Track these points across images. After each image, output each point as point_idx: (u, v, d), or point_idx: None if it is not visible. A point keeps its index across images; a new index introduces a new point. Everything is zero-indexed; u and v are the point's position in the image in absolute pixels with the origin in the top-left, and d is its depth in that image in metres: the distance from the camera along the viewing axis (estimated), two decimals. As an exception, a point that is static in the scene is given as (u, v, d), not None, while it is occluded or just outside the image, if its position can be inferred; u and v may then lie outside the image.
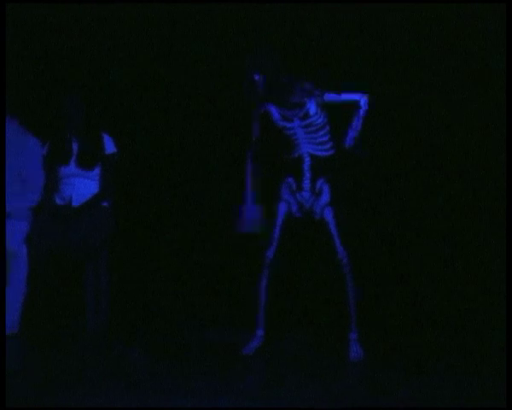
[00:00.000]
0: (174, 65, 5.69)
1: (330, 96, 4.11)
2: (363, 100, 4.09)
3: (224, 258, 5.61)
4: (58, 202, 4.87)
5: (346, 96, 4.11)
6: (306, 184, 4.14)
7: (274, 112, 4.18)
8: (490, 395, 3.59)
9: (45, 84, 5.63)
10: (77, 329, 4.84)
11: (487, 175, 5.34)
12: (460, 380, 3.86)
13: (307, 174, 4.13)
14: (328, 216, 4.11)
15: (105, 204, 4.89)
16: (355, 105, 4.11)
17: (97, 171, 4.87)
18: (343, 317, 4.20)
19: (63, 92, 5.01)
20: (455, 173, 5.41)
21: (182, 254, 5.80)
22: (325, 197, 4.12)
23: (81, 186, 4.84)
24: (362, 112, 4.09)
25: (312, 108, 4.12)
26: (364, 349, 4.17)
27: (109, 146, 4.90)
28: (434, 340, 4.71)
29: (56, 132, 4.95)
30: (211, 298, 5.62)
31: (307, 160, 4.13)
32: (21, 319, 4.73)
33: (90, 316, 4.77)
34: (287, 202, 4.20)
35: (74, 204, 4.82)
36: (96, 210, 4.83)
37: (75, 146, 4.87)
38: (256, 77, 4.01)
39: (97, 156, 4.86)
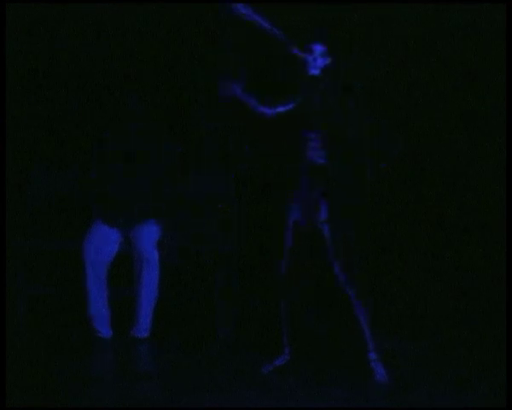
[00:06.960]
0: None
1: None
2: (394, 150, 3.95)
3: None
4: None
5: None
6: (304, 191, 3.90)
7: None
8: (490, 395, 3.60)
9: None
10: (207, 333, 4.82)
11: (487, 175, 5.34)
12: (460, 380, 3.86)
13: (304, 180, 3.89)
14: (326, 232, 3.88)
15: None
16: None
17: None
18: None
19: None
20: (455, 174, 5.42)
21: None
22: (323, 213, 3.88)
23: None
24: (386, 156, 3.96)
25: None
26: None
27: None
28: (434, 339, 4.71)
29: (189, 139, 5.24)
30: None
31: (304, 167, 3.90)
32: (153, 323, 4.73)
33: (221, 321, 4.80)
34: (295, 209, 3.95)
35: None
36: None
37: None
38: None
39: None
